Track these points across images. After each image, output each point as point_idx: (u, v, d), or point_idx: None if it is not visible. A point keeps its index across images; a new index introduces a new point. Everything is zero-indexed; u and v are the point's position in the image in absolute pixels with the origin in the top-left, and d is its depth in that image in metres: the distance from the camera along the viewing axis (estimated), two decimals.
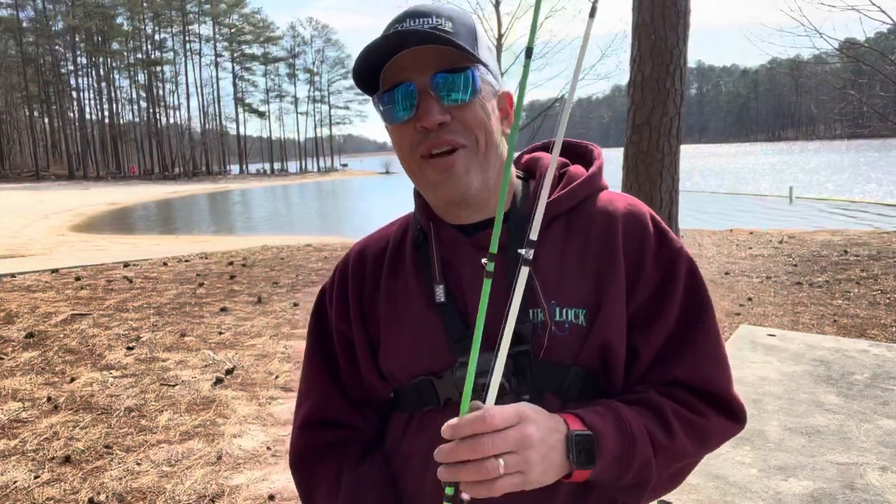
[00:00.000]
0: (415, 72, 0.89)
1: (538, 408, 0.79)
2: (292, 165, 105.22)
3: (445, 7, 0.93)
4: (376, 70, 0.91)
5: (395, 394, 1.02)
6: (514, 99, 0.95)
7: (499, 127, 0.96)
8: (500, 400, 0.86)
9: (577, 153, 1.07)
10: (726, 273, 8.32)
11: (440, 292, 0.95)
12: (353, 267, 1.06)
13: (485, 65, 0.92)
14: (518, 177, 1.02)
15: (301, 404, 1.08)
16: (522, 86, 0.77)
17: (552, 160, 0.74)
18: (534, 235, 0.73)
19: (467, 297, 0.94)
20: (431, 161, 0.90)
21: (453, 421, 0.71)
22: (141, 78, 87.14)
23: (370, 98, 0.96)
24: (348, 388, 1.05)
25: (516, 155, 1.08)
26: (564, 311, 0.90)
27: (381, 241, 1.08)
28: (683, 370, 0.91)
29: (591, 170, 0.99)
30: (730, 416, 0.93)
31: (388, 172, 78.92)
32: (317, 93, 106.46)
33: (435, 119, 0.88)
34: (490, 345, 0.87)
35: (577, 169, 1.00)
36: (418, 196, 1.03)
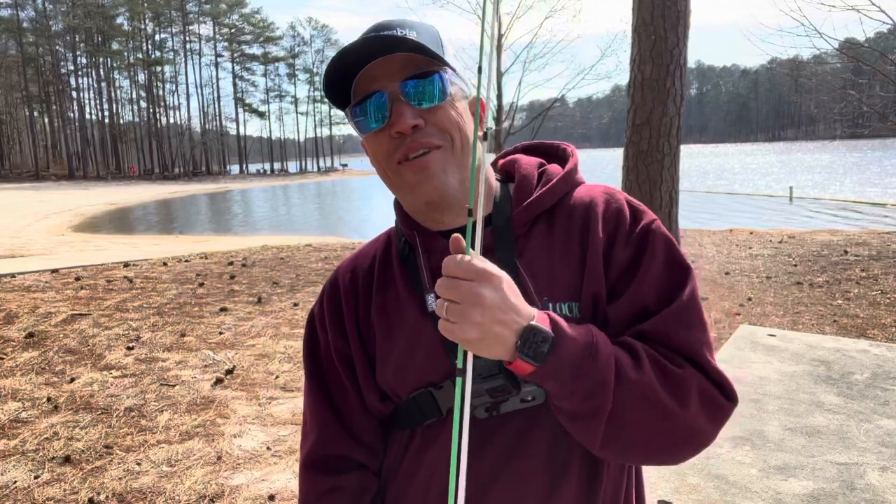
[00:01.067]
0: (384, 81, 0.90)
1: (514, 287, 0.78)
2: (292, 165, 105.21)
3: (409, 20, 0.94)
4: (347, 83, 0.93)
5: (395, 411, 1.01)
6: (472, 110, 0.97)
7: (472, 129, 0.96)
8: (501, 395, 0.87)
9: (550, 153, 1.08)
10: (726, 273, 8.32)
11: (431, 301, 0.94)
12: (345, 284, 1.06)
13: (452, 68, 0.93)
14: (497, 180, 1.03)
15: (304, 441, 1.07)
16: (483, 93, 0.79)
17: (478, 179, 0.76)
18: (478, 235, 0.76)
19: None
20: (408, 164, 0.91)
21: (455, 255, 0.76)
22: (141, 78, 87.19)
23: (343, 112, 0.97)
24: (351, 417, 1.04)
25: (493, 158, 1.09)
26: (558, 305, 0.90)
27: (367, 258, 1.07)
28: (653, 325, 0.87)
29: (567, 167, 1.00)
30: (710, 380, 0.86)
31: None
32: (317, 93, 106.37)
33: (408, 123, 0.89)
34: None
35: (554, 168, 1.02)
36: (399, 207, 1.03)
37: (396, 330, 0.98)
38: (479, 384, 0.84)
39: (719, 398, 0.86)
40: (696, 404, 0.83)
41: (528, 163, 1.03)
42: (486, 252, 0.93)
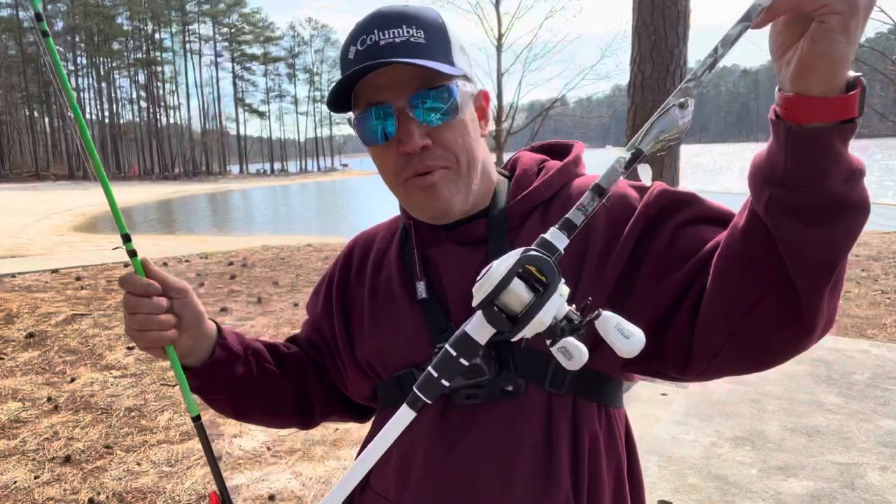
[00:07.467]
0: (392, 92, 0.86)
1: None
2: (292, 165, 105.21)
3: (411, 10, 0.87)
4: (349, 89, 0.89)
5: (375, 390, 1.02)
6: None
7: (477, 132, 0.94)
8: (477, 388, 0.87)
9: (556, 150, 1.06)
10: None
11: (421, 288, 0.95)
12: (343, 261, 1.11)
13: (462, 71, 0.89)
14: (501, 174, 1.03)
15: None
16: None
17: None
18: None
19: (448, 292, 0.94)
20: (415, 181, 0.90)
21: None
22: (141, 78, 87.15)
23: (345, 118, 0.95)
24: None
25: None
26: None
27: (369, 240, 1.10)
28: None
29: (566, 159, 0.98)
30: None
31: None
32: (317, 93, 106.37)
33: (416, 144, 0.86)
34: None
35: (553, 162, 1.00)
36: None
37: (383, 313, 0.98)
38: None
39: None
40: None
41: (531, 158, 1.03)
42: (479, 242, 0.94)
